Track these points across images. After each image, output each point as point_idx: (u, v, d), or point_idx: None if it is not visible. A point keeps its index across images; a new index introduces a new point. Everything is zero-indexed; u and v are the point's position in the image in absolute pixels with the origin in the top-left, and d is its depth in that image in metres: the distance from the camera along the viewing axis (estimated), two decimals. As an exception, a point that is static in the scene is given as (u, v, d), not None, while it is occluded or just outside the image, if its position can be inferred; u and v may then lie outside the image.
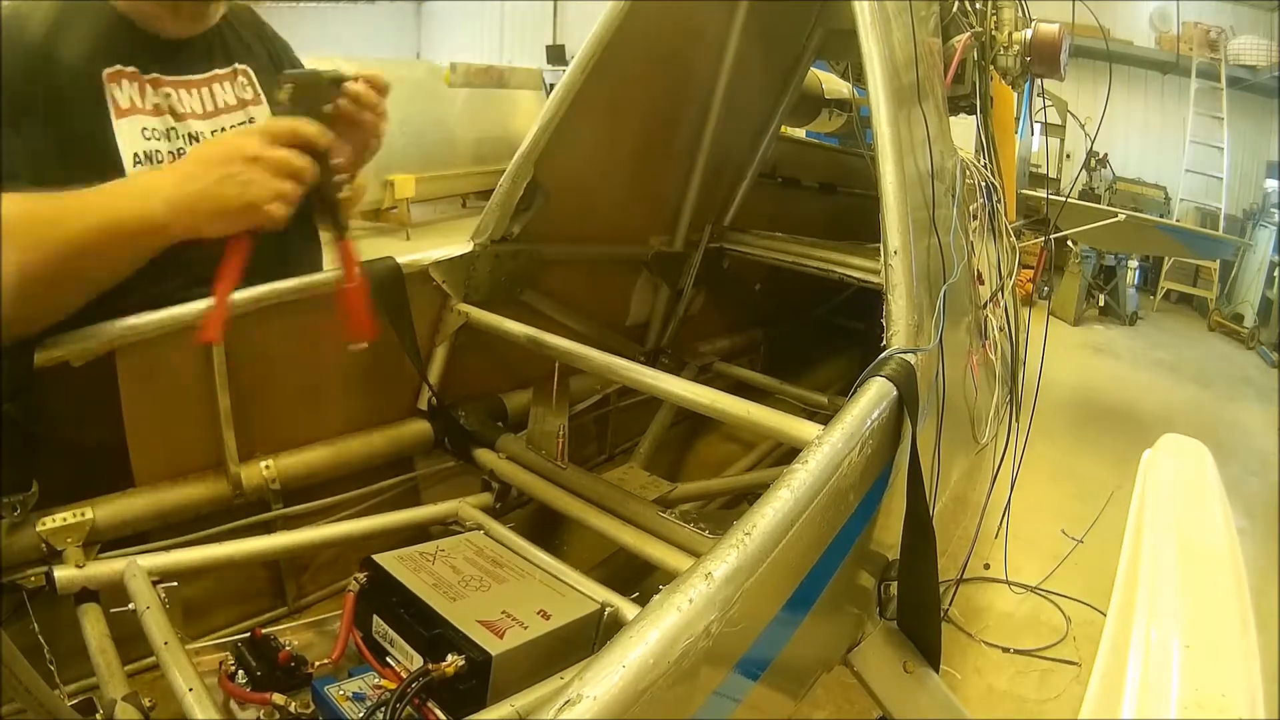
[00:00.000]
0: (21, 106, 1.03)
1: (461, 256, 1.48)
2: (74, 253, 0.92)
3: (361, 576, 1.04)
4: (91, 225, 0.92)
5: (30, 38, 1.06)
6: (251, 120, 1.25)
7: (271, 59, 1.32)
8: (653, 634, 0.57)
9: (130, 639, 0.91)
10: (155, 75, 1.15)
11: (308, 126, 1.01)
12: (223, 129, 1.21)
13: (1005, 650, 2.38)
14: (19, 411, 0.98)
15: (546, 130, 1.48)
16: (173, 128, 1.16)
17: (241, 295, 1.14)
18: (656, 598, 0.62)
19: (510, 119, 8.65)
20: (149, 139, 1.13)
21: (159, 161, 1.13)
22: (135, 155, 1.11)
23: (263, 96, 1.27)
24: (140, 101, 1.13)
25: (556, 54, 10.75)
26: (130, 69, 1.12)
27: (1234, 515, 1.38)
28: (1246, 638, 1.04)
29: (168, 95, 1.16)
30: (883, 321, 1.08)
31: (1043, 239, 3.43)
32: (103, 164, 1.08)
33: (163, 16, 1.15)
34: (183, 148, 1.17)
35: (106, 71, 1.10)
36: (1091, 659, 1.11)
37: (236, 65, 1.25)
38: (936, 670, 1.08)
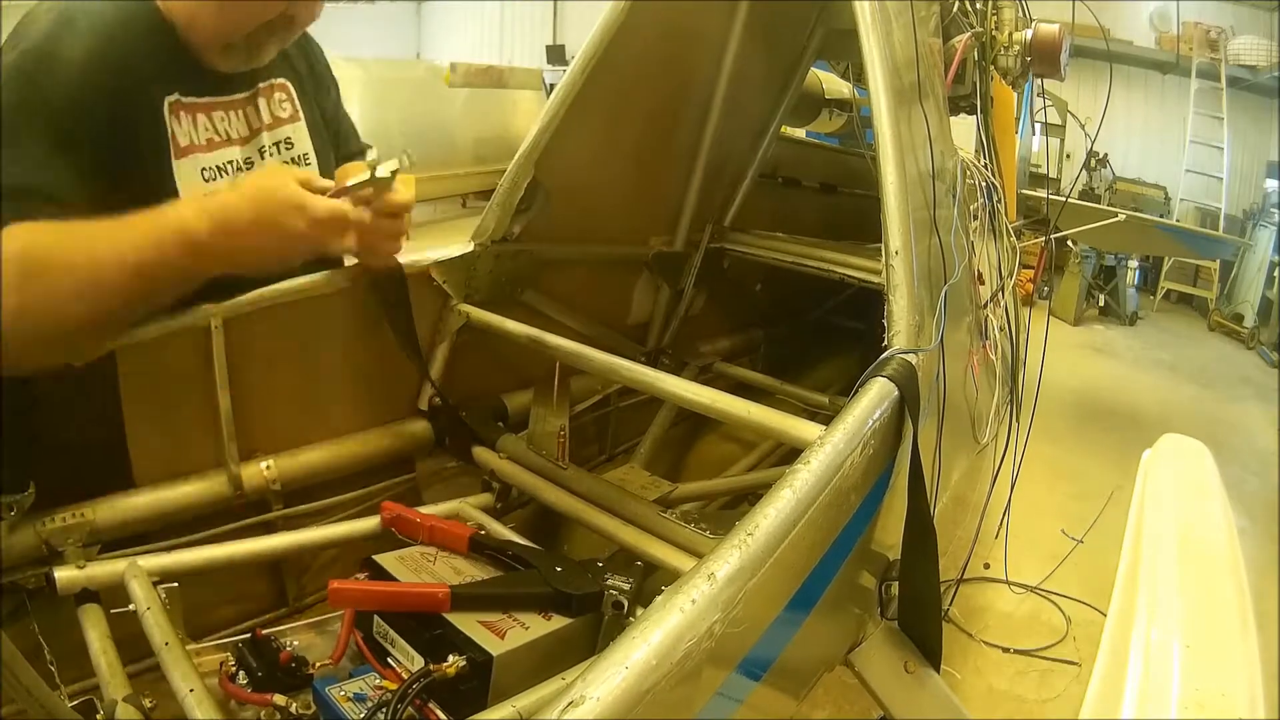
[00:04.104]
0: (77, 123, 0.95)
1: (462, 256, 1.47)
2: (113, 278, 0.89)
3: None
4: (130, 244, 0.90)
5: (90, 45, 0.97)
6: (289, 140, 1.22)
7: (312, 71, 1.30)
8: (656, 634, 0.57)
9: (131, 640, 0.91)
10: (209, 99, 1.11)
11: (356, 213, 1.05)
12: (261, 150, 1.18)
13: (1005, 650, 2.38)
14: (17, 411, 0.98)
15: (547, 130, 1.47)
16: (227, 162, 1.13)
17: (242, 295, 1.14)
18: (659, 598, 0.61)
19: (510, 119, 8.63)
20: (207, 181, 1.10)
21: None
22: None
23: (301, 113, 1.25)
24: (196, 136, 1.10)
25: (556, 54, 10.74)
26: (188, 99, 1.07)
27: (1234, 515, 1.38)
28: (1247, 638, 1.04)
29: (221, 120, 1.13)
30: (883, 321, 1.08)
31: (1043, 239, 3.42)
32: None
33: (214, 55, 1.08)
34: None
35: (168, 101, 1.05)
36: (1091, 659, 1.11)
37: (275, 80, 1.21)
38: (938, 670, 1.08)
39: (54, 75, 0.95)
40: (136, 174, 1.03)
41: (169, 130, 1.05)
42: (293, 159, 1.24)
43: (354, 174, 1.08)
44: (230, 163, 1.14)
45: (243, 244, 0.97)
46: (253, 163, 1.18)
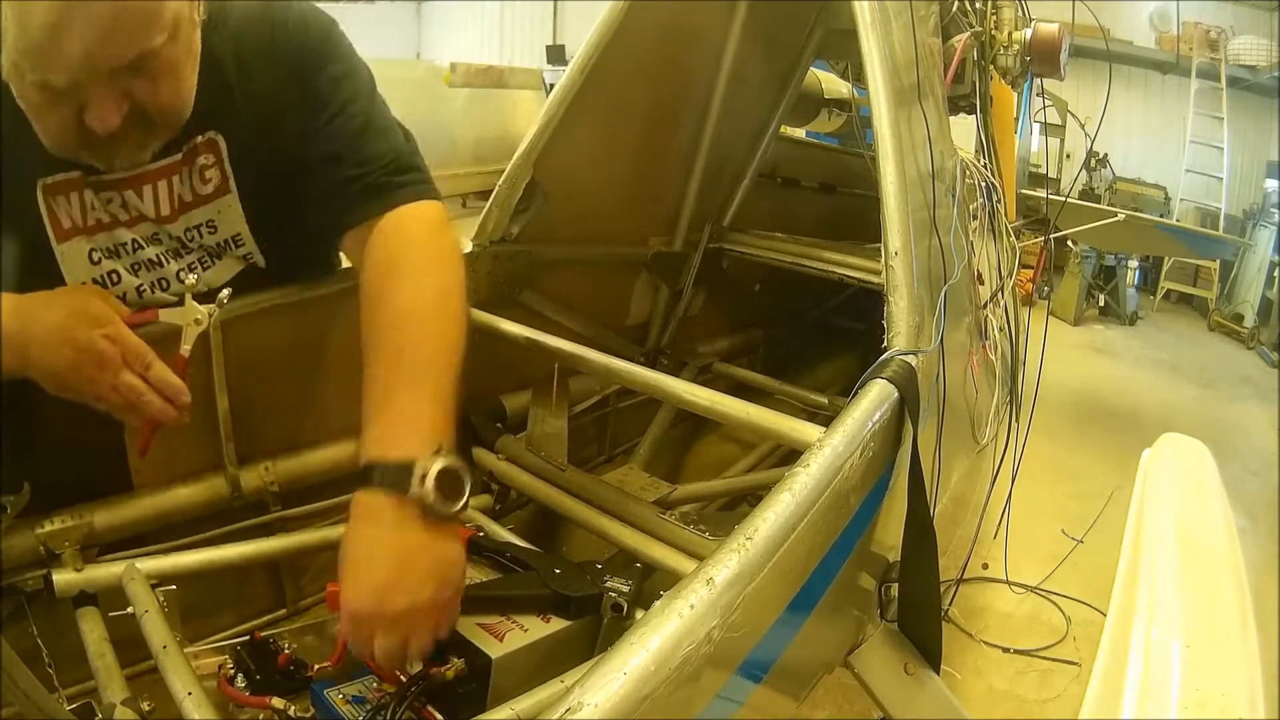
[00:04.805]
0: None
1: (461, 257, 1.47)
2: None
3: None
4: None
5: None
6: (211, 224, 1.04)
7: (269, 112, 1.01)
8: (654, 640, 0.57)
9: (129, 642, 0.91)
10: (95, 179, 0.97)
11: (173, 380, 0.94)
12: (163, 238, 1.05)
13: (1005, 650, 2.37)
14: (14, 412, 0.97)
15: (546, 131, 1.47)
16: (123, 243, 1.03)
17: (241, 298, 1.13)
18: (658, 604, 0.61)
19: (510, 119, 8.64)
20: (97, 263, 1.02)
21: (115, 283, 1.04)
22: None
23: (231, 180, 1.03)
24: (82, 219, 0.99)
25: (556, 54, 10.74)
26: (74, 174, 0.96)
27: (1234, 515, 1.37)
28: (1246, 638, 1.04)
29: (109, 200, 1.00)
30: (883, 322, 1.08)
31: (1043, 239, 3.42)
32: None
33: (96, 160, 0.92)
34: (138, 263, 1.04)
35: (44, 183, 0.96)
36: (1091, 659, 1.10)
37: (201, 138, 1.00)
38: (937, 671, 1.08)
39: None
40: (23, 257, 0.97)
41: (47, 212, 0.98)
42: (216, 245, 1.08)
43: None
44: (122, 246, 1.04)
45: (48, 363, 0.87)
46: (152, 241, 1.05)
